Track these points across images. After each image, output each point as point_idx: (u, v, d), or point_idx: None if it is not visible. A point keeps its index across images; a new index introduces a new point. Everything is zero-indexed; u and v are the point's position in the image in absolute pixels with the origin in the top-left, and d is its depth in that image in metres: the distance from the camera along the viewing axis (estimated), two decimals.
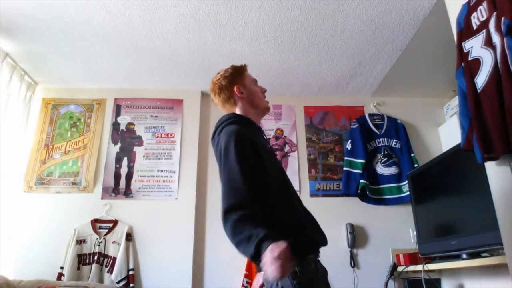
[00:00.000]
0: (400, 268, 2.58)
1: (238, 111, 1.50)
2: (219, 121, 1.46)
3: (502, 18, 1.36)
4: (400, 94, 3.23)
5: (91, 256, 2.57)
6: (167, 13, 2.23)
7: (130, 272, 2.55)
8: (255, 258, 1.05)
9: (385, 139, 3.04)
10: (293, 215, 1.29)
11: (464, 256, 2.06)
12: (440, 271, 2.53)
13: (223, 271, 2.69)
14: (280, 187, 1.32)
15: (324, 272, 1.33)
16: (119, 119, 3.03)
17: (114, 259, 2.57)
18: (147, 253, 2.66)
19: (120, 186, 2.82)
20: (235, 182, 1.19)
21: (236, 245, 1.11)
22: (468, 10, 1.60)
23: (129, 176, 2.86)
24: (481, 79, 1.46)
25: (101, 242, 2.61)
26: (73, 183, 2.81)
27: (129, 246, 2.64)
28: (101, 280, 2.52)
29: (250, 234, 1.07)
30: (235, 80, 1.51)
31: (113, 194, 2.80)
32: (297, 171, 2.98)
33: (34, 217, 2.69)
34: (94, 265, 2.52)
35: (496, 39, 1.39)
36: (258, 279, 1.37)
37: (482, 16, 1.50)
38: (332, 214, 2.85)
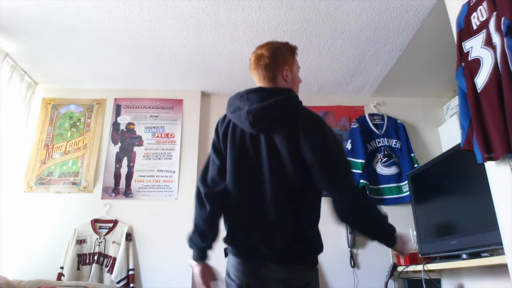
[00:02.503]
0: (400, 268, 2.58)
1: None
2: (283, 91, 1.35)
3: (502, 18, 1.36)
4: (400, 94, 3.23)
5: (91, 256, 2.57)
6: (167, 13, 2.23)
7: (130, 272, 2.55)
8: (391, 240, 1.32)
9: (385, 139, 3.04)
10: None
11: (464, 256, 2.06)
12: (440, 271, 2.53)
13: (223, 271, 2.69)
14: None
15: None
16: (119, 119, 3.02)
17: (114, 259, 2.57)
18: (147, 253, 2.66)
19: (120, 186, 2.82)
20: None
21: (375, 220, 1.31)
22: (468, 10, 1.60)
23: (129, 176, 2.86)
24: (481, 79, 1.46)
25: (101, 242, 2.61)
26: (73, 183, 2.81)
27: (129, 246, 2.64)
28: (101, 280, 2.52)
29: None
30: (288, 59, 1.43)
31: (113, 194, 2.80)
32: None
33: (34, 217, 2.68)
34: (94, 265, 2.53)
35: (496, 39, 1.39)
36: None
37: (482, 16, 1.50)
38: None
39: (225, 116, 1.46)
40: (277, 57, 1.40)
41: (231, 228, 1.34)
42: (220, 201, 1.37)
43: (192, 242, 1.37)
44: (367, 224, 1.30)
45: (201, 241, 1.35)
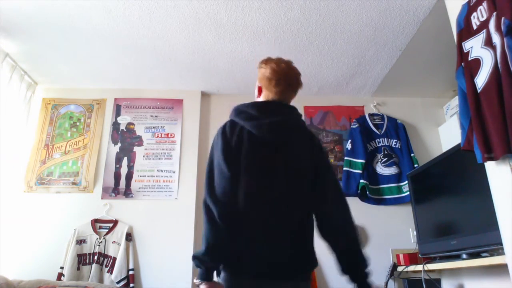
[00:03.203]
0: (400, 268, 2.58)
1: None
2: (294, 108, 1.46)
3: (502, 18, 1.36)
4: (400, 94, 3.23)
5: (91, 256, 2.57)
6: (167, 13, 2.23)
7: (130, 272, 2.55)
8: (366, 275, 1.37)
9: (385, 139, 3.04)
10: None
11: (464, 256, 2.06)
12: (440, 271, 2.53)
13: None
14: None
15: None
16: (119, 119, 3.02)
17: (114, 259, 2.57)
18: (147, 253, 2.66)
19: (120, 186, 2.82)
20: None
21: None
22: (468, 10, 1.60)
23: (129, 176, 2.86)
24: (481, 79, 1.47)
25: (101, 242, 2.61)
26: (73, 183, 2.81)
27: (129, 246, 2.64)
28: (101, 280, 2.52)
29: None
30: None
31: (113, 194, 2.80)
32: None
33: (34, 217, 2.68)
34: (94, 265, 2.53)
35: (496, 39, 1.39)
36: None
37: (482, 16, 1.50)
38: None
39: (232, 123, 1.38)
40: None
41: (241, 245, 1.24)
42: (235, 220, 1.26)
43: (200, 261, 1.23)
44: (355, 242, 1.34)
45: (210, 261, 1.24)
